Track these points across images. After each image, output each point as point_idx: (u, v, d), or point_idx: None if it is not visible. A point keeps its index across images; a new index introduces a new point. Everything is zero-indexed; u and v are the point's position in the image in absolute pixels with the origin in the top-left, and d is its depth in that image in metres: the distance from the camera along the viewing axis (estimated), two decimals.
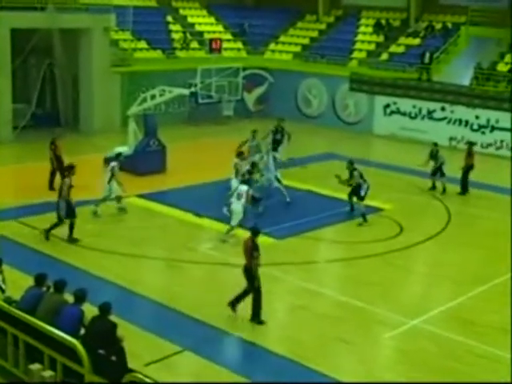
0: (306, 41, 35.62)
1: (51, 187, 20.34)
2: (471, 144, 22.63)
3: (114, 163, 18.74)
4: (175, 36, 34.04)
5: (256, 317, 12.68)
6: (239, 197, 16.91)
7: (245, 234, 17.58)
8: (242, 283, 14.79)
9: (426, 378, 11.23)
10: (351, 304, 13.67)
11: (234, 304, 12.83)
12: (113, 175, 18.57)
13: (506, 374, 11.34)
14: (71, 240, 16.50)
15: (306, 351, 11.87)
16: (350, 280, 15.26)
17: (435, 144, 22.17)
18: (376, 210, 19.60)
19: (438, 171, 21.69)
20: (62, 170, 19.86)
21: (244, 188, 17.03)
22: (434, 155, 21.80)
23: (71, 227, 16.53)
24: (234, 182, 18.61)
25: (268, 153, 20.57)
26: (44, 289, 10.44)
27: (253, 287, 12.62)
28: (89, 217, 18.86)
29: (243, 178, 17.94)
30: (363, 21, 35.33)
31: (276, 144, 22.48)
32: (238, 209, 16.89)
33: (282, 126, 23.03)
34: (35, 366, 8.81)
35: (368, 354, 12.00)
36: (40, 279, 10.49)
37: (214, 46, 32.26)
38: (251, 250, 12.63)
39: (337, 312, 13.42)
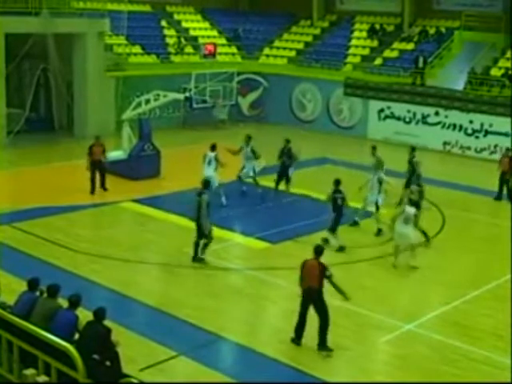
0: (301, 46, 35.67)
1: (93, 190, 20.55)
2: (510, 150, 22.41)
3: (213, 153, 19.51)
4: (170, 41, 34.06)
5: (325, 345, 12.00)
6: (407, 221, 15.70)
7: (251, 243, 17.71)
8: (237, 288, 14.85)
9: (419, 381, 11.25)
10: (346, 308, 13.64)
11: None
12: (218, 163, 19.42)
13: (499, 378, 11.36)
14: (198, 260, 15.71)
15: (301, 355, 11.87)
16: (345, 284, 15.10)
17: (412, 149, 20.68)
18: (371, 214, 19.57)
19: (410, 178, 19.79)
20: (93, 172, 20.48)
21: (412, 211, 15.82)
22: (409, 161, 20.41)
23: (201, 246, 15.70)
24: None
25: (374, 174, 18.72)
26: (37, 293, 10.42)
27: (325, 311, 12.01)
28: (84, 222, 18.88)
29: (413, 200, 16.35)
30: (357, 26, 35.42)
31: (285, 167, 20.95)
32: (407, 233, 15.74)
33: (288, 146, 21.20)
34: (29, 371, 8.77)
35: (363, 358, 11.99)
36: (33, 284, 10.46)
37: (208, 50, 32.41)
38: (322, 270, 11.91)
39: (332, 316, 13.37)
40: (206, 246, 15.68)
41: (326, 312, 12.02)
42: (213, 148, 19.91)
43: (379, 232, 18.12)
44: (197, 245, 15.70)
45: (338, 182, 16.94)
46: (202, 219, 15.44)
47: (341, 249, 16.68)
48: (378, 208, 18.45)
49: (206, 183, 16.20)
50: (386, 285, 15.21)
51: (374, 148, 19.62)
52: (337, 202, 16.76)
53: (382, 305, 13.99)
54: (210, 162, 19.70)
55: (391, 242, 17.55)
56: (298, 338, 12.20)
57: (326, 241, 16.64)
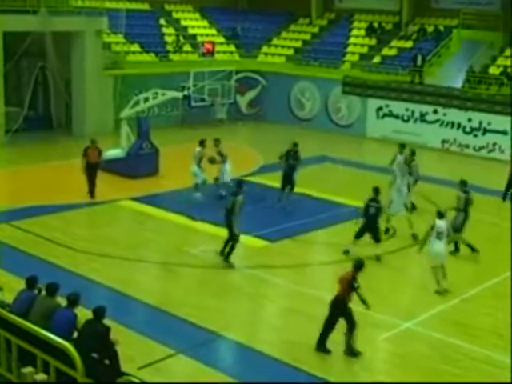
0: (299, 44, 35.65)
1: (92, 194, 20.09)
2: None
3: (199, 149, 19.68)
4: (168, 39, 34.01)
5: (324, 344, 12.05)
6: (440, 236, 14.55)
7: (249, 242, 17.67)
8: (236, 286, 14.83)
9: (419, 381, 11.23)
10: None
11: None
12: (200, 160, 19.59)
13: (499, 377, 11.35)
14: (230, 265, 15.50)
15: (300, 354, 11.85)
16: None
17: (412, 153, 19.75)
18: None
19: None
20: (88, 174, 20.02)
21: (443, 224, 14.66)
22: (408, 164, 19.54)
23: (227, 250, 15.57)
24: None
25: (402, 176, 18.31)
26: (35, 291, 10.40)
27: (351, 319, 11.94)
28: (82, 221, 18.87)
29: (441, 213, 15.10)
30: (356, 24, 35.41)
31: (290, 170, 20.09)
32: (442, 252, 14.63)
33: (295, 149, 20.31)
34: (28, 370, 8.76)
35: (362, 356, 11.96)
36: (31, 282, 10.44)
37: (206, 49, 32.38)
38: (350, 281, 11.81)
39: None
40: (232, 248, 15.46)
41: (336, 320, 11.99)
42: (200, 143, 19.95)
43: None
44: (226, 245, 15.53)
45: (376, 190, 16.26)
46: (235, 220, 15.24)
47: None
48: (407, 208, 18.22)
49: (240, 183, 15.78)
50: (385, 283, 15.19)
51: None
52: (369, 211, 16.14)
53: (381, 303, 13.91)
54: (195, 158, 19.79)
55: (390, 241, 17.57)
56: (350, 351, 11.99)
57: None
